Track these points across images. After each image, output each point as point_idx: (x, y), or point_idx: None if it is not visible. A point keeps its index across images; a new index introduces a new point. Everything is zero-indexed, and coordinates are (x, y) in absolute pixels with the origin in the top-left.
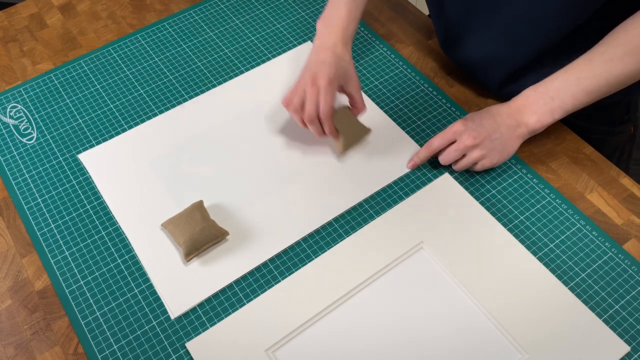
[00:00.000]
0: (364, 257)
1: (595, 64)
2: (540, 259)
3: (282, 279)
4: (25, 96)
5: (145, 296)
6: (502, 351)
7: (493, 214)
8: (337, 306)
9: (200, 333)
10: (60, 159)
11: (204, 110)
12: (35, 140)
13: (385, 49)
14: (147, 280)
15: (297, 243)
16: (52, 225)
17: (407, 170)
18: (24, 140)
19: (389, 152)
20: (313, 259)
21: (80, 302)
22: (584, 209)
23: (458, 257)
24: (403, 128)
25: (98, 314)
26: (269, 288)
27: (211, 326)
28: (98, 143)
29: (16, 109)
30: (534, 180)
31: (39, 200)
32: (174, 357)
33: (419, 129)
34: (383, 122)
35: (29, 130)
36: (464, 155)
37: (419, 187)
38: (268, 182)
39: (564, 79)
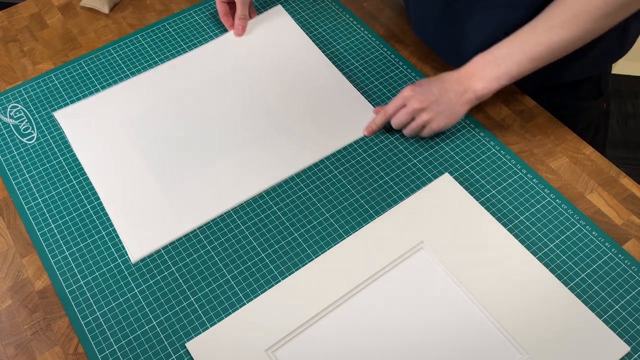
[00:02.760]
0: (364, 257)
1: (538, 32)
2: (540, 259)
3: (282, 278)
4: (25, 96)
5: (146, 296)
6: (502, 351)
7: (493, 214)
8: (337, 306)
9: (200, 333)
10: (61, 158)
11: (179, 75)
12: (36, 140)
13: (385, 49)
14: (147, 280)
15: (297, 243)
16: (52, 225)
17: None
18: (24, 140)
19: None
20: (313, 258)
21: (80, 302)
22: (584, 209)
23: (458, 257)
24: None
25: (98, 314)
26: (269, 288)
27: (211, 326)
28: None
29: (16, 109)
30: (534, 180)
31: (39, 200)
32: (174, 357)
33: None
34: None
35: (29, 130)
36: (414, 120)
37: (419, 187)
38: (232, 142)
39: (509, 46)
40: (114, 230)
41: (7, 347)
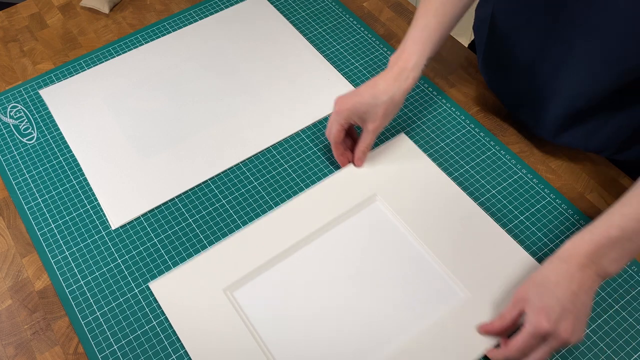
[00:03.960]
0: (320, 208)
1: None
2: (540, 259)
3: (243, 226)
4: (25, 96)
5: (146, 296)
6: (447, 290)
7: (493, 214)
8: (294, 252)
9: (163, 273)
10: (61, 158)
11: (163, 52)
12: (36, 140)
13: (385, 49)
14: (147, 280)
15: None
16: (52, 225)
17: None
18: (24, 140)
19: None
20: (273, 208)
21: (80, 302)
22: (584, 209)
23: (410, 208)
24: (403, 129)
25: (98, 314)
26: (230, 234)
27: (174, 267)
28: None
29: (16, 109)
30: (534, 180)
31: (39, 200)
32: (174, 357)
33: (419, 129)
34: None
35: (29, 130)
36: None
37: (375, 145)
38: (209, 116)
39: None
40: (115, 230)
41: (7, 347)
